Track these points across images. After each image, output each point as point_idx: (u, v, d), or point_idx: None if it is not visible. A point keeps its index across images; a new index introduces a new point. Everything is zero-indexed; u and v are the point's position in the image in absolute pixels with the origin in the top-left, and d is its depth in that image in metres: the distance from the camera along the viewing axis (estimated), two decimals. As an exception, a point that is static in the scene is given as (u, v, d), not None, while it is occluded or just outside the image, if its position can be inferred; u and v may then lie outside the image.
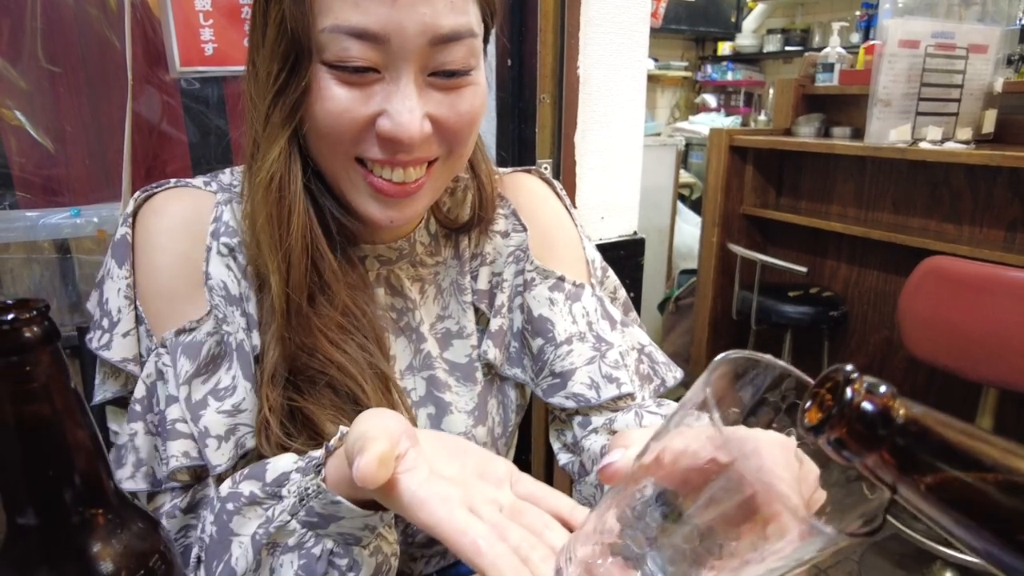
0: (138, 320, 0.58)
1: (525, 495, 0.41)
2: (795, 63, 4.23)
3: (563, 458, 0.70)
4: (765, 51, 4.76)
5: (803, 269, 2.19)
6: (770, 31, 4.77)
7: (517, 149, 1.27)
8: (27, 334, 0.31)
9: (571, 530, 0.38)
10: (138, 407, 0.56)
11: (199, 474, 0.56)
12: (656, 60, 4.68)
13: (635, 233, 1.45)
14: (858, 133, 2.22)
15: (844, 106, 2.44)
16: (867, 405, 0.26)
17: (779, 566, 0.28)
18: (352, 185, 0.55)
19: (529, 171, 0.74)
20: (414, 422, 0.64)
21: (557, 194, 0.74)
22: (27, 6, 0.96)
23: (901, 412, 0.26)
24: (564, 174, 1.30)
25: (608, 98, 1.32)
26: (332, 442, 0.44)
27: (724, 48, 4.89)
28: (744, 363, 0.31)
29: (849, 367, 0.28)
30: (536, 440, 1.39)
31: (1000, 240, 1.97)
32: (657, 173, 3.04)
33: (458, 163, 0.58)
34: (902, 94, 2.00)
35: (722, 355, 0.30)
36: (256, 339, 0.58)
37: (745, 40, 4.80)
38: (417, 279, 0.67)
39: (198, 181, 0.62)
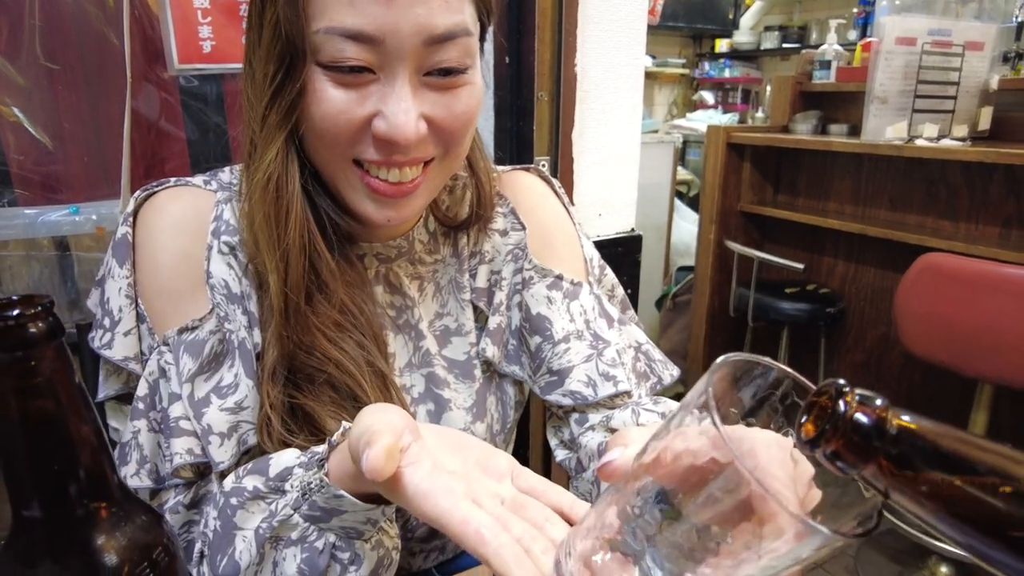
0: (139, 319, 0.58)
1: (526, 489, 0.41)
2: (792, 60, 4.24)
3: (560, 454, 0.71)
4: (762, 48, 4.77)
5: (800, 266, 2.20)
6: (767, 28, 4.78)
7: (515, 147, 1.28)
8: (32, 330, 0.32)
9: (571, 524, 0.39)
10: (141, 405, 0.57)
11: (202, 471, 0.57)
12: (654, 57, 4.68)
13: (632, 230, 1.46)
14: (855, 130, 2.22)
15: (841, 103, 2.44)
16: (860, 417, 0.27)
17: (775, 565, 0.28)
18: (349, 186, 0.56)
19: (528, 169, 0.75)
20: (413, 418, 0.65)
21: (555, 192, 0.74)
22: (25, 4, 0.96)
23: (894, 422, 0.26)
24: (562, 171, 1.31)
25: (606, 96, 1.32)
26: (335, 437, 0.45)
27: (722, 45, 4.89)
28: (744, 365, 0.31)
29: (841, 381, 0.28)
30: (534, 436, 1.39)
31: (996, 237, 1.98)
32: (655, 170, 3.05)
33: (454, 162, 0.59)
34: (899, 91, 2.00)
35: (723, 357, 0.30)
36: (257, 337, 0.58)
37: (742, 37, 4.80)
38: (416, 277, 0.67)
39: (198, 180, 0.62)
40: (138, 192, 0.60)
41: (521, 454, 1.40)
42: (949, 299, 1.67)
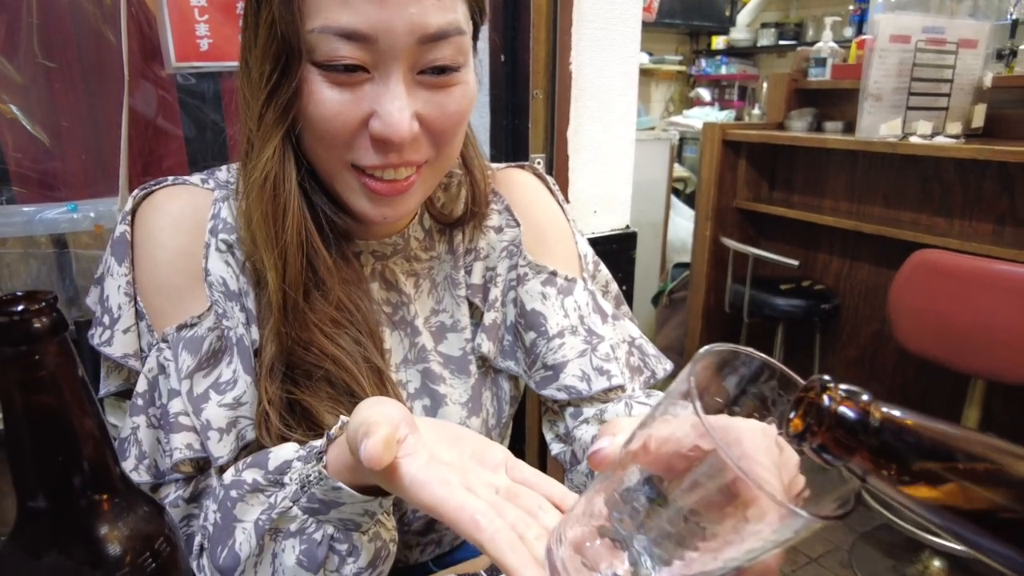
0: (138, 316, 0.59)
1: (520, 480, 0.42)
2: (789, 57, 4.25)
3: (555, 448, 0.72)
4: (759, 45, 4.77)
5: (795, 263, 2.21)
6: (764, 25, 4.78)
7: (510, 144, 1.28)
8: (36, 325, 0.32)
9: (563, 514, 0.40)
10: (140, 401, 0.57)
11: (201, 465, 0.58)
12: (650, 54, 4.68)
13: (627, 227, 1.47)
14: (850, 127, 2.23)
15: (836, 100, 2.45)
16: (844, 411, 0.28)
17: (758, 546, 0.29)
18: (346, 185, 0.56)
19: (522, 167, 0.76)
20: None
21: (550, 189, 0.75)
22: (23, 2, 0.97)
23: (876, 415, 0.27)
24: (557, 169, 1.32)
25: (601, 93, 1.33)
26: (333, 431, 0.45)
27: (718, 42, 4.89)
28: (727, 355, 0.32)
29: (826, 377, 0.29)
30: (530, 431, 1.41)
31: (989, 233, 2.00)
32: (651, 167, 3.06)
33: (447, 163, 0.59)
34: (893, 89, 2.01)
35: (705, 347, 0.31)
36: (255, 333, 0.59)
37: (739, 34, 4.80)
38: (412, 274, 0.68)
39: (195, 179, 0.63)
40: (136, 191, 0.61)
41: (517, 448, 1.41)
42: (942, 295, 1.69)
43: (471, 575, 0.63)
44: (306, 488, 0.45)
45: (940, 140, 1.99)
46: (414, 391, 0.67)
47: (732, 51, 4.89)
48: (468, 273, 0.70)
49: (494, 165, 0.74)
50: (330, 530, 0.46)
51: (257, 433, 0.57)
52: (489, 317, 0.70)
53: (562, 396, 0.67)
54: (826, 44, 2.44)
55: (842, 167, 2.37)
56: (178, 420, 0.56)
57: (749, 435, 0.32)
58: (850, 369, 2.45)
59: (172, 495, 0.57)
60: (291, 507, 0.46)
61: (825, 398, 0.28)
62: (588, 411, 0.67)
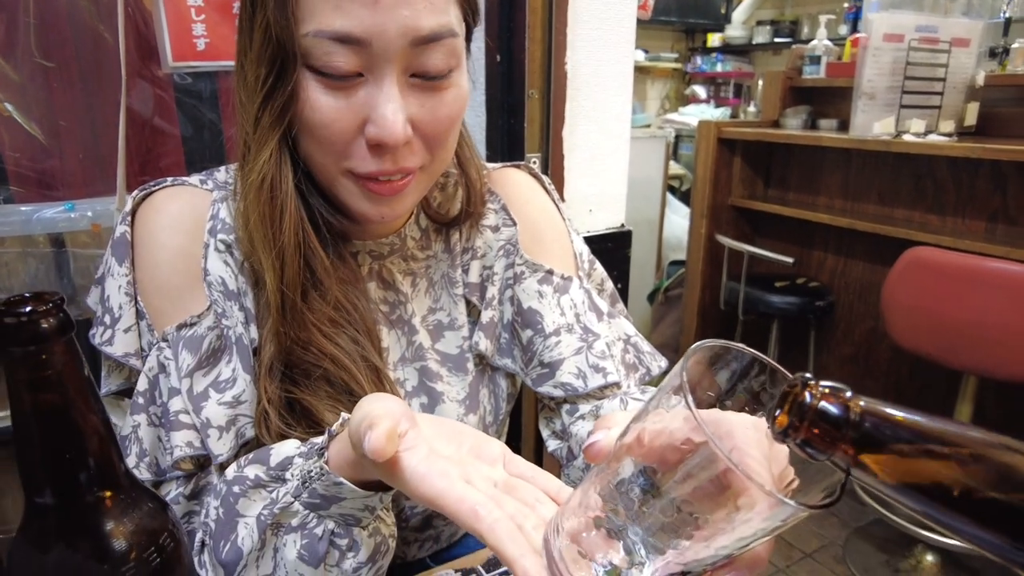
0: (139, 315, 0.59)
1: (517, 475, 0.43)
2: (784, 55, 4.26)
3: (552, 444, 0.73)
4: (754, 42, 4.78)
5: (789, 260, 2.22)
6: (759, 22, 4.79)
7: (506, 144, 1.29)
8: (44, 325, 0.33)
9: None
10: (141, 400, 0.58)
11: (202, 463, 0.58)
12: (646, 51, 4.69)
13: (622, 226, 1.47)
14: (845, 125, 2.25)
15: (831, 98, 2.46)
16: (825, 406, 0.29)
17: (748, 535, 0.30)
18: (343, 188, 0.57)
19: (518, 166, 0.76)
20: None
21: (545, 189, 0.76)
22: (20, 1, 0.97)
23: (856, 409, 0.28)
24: (552, 168, 1.32)
25: (596, 93, 1.34)
26: (334, 427, 0.46)
27: (714, 39, 4.90)
28: (719, 350, 0.33)
29: (808, 375, 0.30)
30: (526, 428, 1.42)
31: (982, 231, 2.01)
32: (646, 165, 3.06)
33: (441, 166, 0.60)
34: (886, 87, 2.02)
35: (698, 343, 0.32)
36: (254, 332, 0.60)
37: (735, 31, 4.81)
38: (409, 273, 0.69)
39: (194, 179, 0.63)
40: (136, 192, 0.61)
41: (514, 445, 1.42)
42: (935, 293, 1.70)
43: (469, 570, 0.64)
44: (307, 483, 0.46)
45: (933, 138, 2.00)
46: (412, 389, 0.68)
47: (728, 48, 4.90)
48: (465, 272, 0.71)
49: (490, 165, 0.75)
50: (331, 525, 0.47)
51: (257, 432, 0.58)
52: (486, 315, 0.70)
53: (558, 393, 0.68)
54: (821, 42, 2.45)
55: (837, 165, 2.38)
56: (178, 418, 0.57)
57: (740, 428, 0.33)
58: (844, 366, 2.47)
59: (173, 492, 0.58)
60: (293, 502, 0.47)
61: (807, 395, 0.29)
62: (584, 408, 0.68)
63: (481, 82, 1.24)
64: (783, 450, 0.33)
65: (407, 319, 0.68)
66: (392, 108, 0.52)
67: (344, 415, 0.46)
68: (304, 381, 0.58)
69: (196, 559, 0.54)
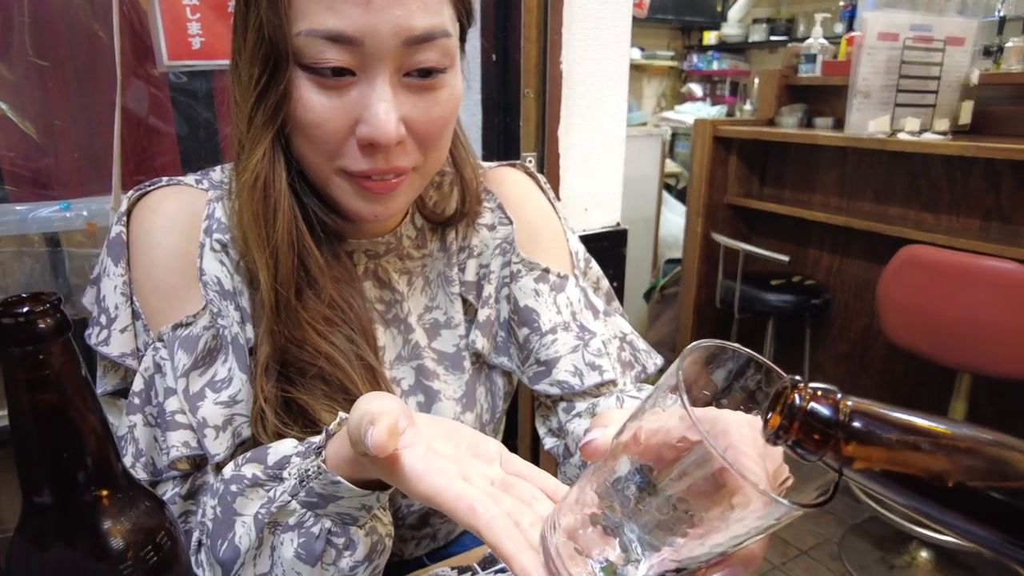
0: (135, 316, 0.59)
1: (513, 473, 0.43)
2: (780, 53, 4.26)
3: (549, 442, 0.73)
4: (750, 41, 4.79)
5: (785, 258, 2.23)
6: (755, 20, 4.80)
7: (502, 143, 1.29)
8: (41, 325, 0.33)
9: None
10: (137, 400, 0.58)
11: (198, 463, 0.58)
12: (642, 49, 4.69)
13: (618, 224, 1.48)
14: (840, 123, 2.25)
15: (826, 96, 2.47)
16: (814, 407, 0.29)
17: (743, 532, 0.30)
18: (336, 187, 0.57)
19: (514, 165, 0.76)
20: None
21: (541, 188, 0.76)
22: (14, 1, 0.97)
23: (845, 409, 0.29)
24: (548, 167, 1.33)
25: (591, 92, 1.34)
26: (331, 426, 0.46)
27: (710, 37, 4.91)
28: (714, 350, 0.34)
29: (797, 377, 0.31)
30: (523, 426, 1.42)
31: (976, 229, 2.02)
32: (643, 163, 3.07)
33: (434, 166, 0.60)
34: (881, 86, 2.03)
35: (694, 343, 0.33)
36: (250, 332, 0.60)
37: (731, 29, 4.82)
38: (404, 272, 0.69)
39: (190, 179, 0.63)
40: (131, 192, 0.61)
41: (510, 443, 1.43)
42: (929, 291, 1.71)
43: (465, 567, 0.64)
44: (305, 482, 0.46)
45: (928, 137, 2.01)
46: (408, 388, 0.68)
47: (724, 47, 4.91)
48: (462, 270, 0.71)
49: (485, 164, 0.75)
50: (328, 524, 0.47)
51: (253, 431, 0.58)
52: (483, 314, 0.71)
53: (555, 391, 0.68)
54: (816, 40, 2.46)
55: (832, 163, 2.39)
56: (174, 418, 0.57)
57: (736, 427, 0.33)
58: (840, 364, 2.48)
59: (169, 492, 0.58)
60: (290, 501, 0.47)
61: (796, 397, 0.29)
62: (580, 405, 0.68)
63: (477, 81, 1.24)
64: (778, 448, 0.33)
65: (403, 318, 0.68)
66: (384, 108, 0.52)
67: (342, 414, 0.46)
68: (300, 380, 0.58)
69: (193, 559, 0.54)
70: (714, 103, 4.74)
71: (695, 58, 5.02)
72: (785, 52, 2.61)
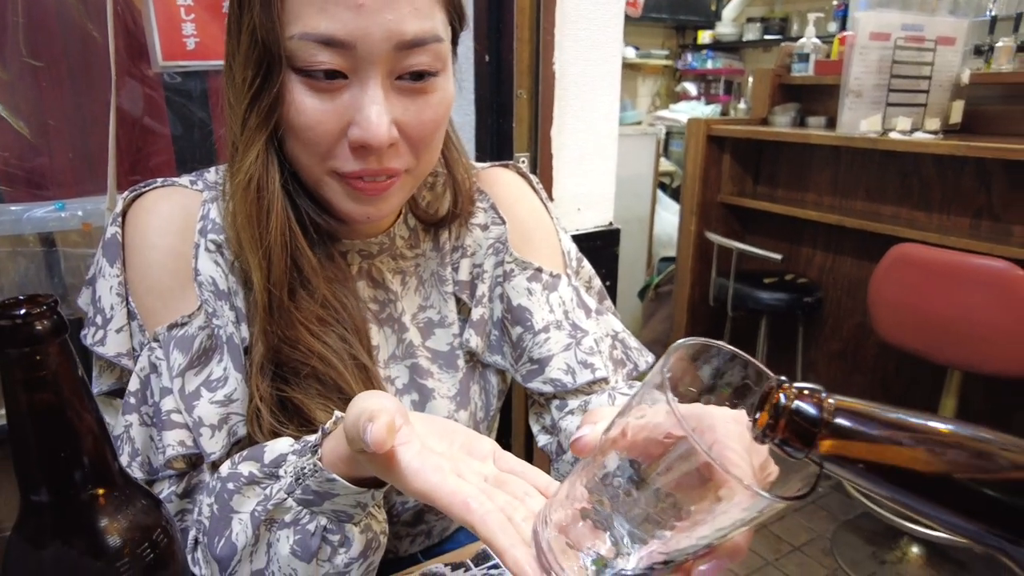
0: (130, 316, 0.60)
1: (507, 470, 0.44)
2: (774, 52, 4.27)
3: (542, 439, 0.74)
4: (744, 40, 4.80)
5: (778, 257, 2.24)
6: (750, 20, 4.81)
7: (495, 143, 1.30)
8: (38, 327, 0.34)
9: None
10: (132, 399, 0.58)
11: (194, 462, 0.59)
12: (637, 48, 4.70)
13: (611, 224, 1.49)
14: (833, 122, 2.26)
15: (819, 95, 2.48)
16: (798, 405, 0.30)
17: (728, 524, 0.31)
18: (329, 188, 0.58)
19: (506, 166, 0.77)
20: None
21: (533, 188, 0.76)
22: (8, 1, 0.97)
23: (828, 408, 0.30)
24: (541, 167, 1.33)
25: (584, 93, 1.35)
26: (327, 425, 0.47)
27: (704, 37, 4.92)
28: (699, 348, 0.34)
29: (783, 377, 0.31)
30: (516, 424, 1.43)
31: (967, 227, 2.04)
32: (637, 162, 3.08)
33: (426, 168, 0.61)
34: (873, 85, 2.04)
35: (679, 341, 0.34)
36: (245, 332, 0.60)
37: (725, 29, 4.83)
38: (398, 271, 0.69)
39: (184, 180, 0.63)
40: (126, 193, 0.62)
41: (504, 441, 1.43)
42: (920, 289, 1.72)
43: (458, 564, 0.65)
44: (301, 480, 0.47)
45: (919, 136, 2.02)
46: (402, 386, 0.69)
47: (718, 46, 4.92)
48: (455, 270, 0.72)
49: (478, 165, 0.76)
50: (323, 521, 0.48)
51: (249, 429, 0.58)
52: (477, 313, 0.71)
53: (548, 389, 0.69)
54: (809, 40, 2.47)
55: (825, 162, 2.40)
56: (170, 417, 0.57)
57: (722, 422, 0.34)
58: (833, 362, 2.49)
59: (166, 491, 0.58)
60: (286, 499, 0.48)
61: (781, 396, 0.30)
62: (573, 403, 0.69)
63: (470, 82, 1.25)
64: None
65: (397, 317, 0.69)
66: (376, 111, 0.52)
67: (337, 413, 0.47)
68: (294, 379, 0.59)
69: (189, 557, 0.55)
70: (708, 102, 4.75)
71: (689, 57, 5.03)
72: (779, 51, 2.62)
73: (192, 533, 0.55)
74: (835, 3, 4.06)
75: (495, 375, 0.75)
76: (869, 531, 2.11)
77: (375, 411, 0.39)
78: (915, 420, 0.30)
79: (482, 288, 0.72)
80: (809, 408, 0.30)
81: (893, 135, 2.03)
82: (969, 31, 2.10)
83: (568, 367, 0.68)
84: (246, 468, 0.51)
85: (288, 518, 0.48)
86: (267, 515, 0.48)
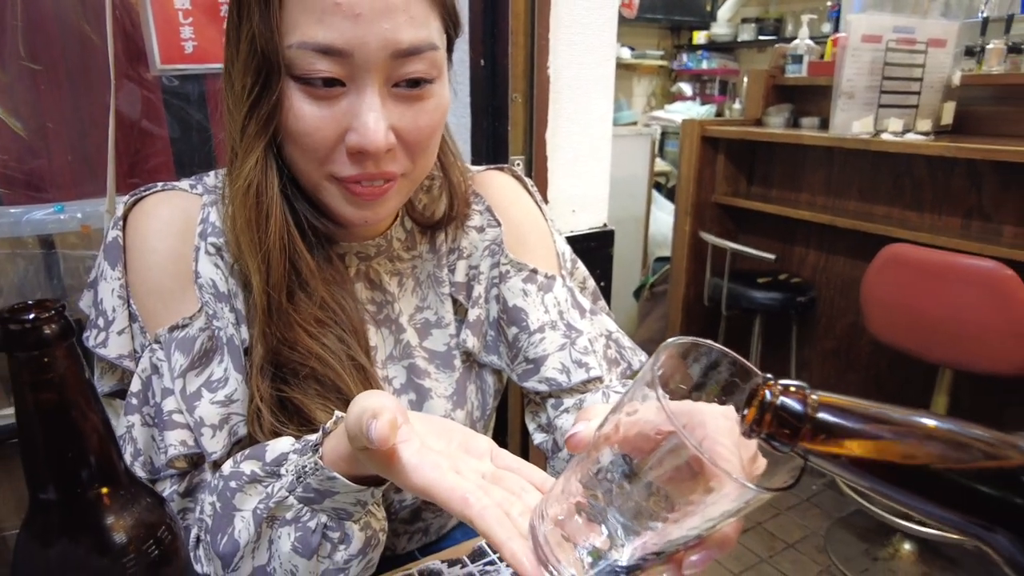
0: (132, 318, 0.60)
1: (503, 467, 0.45)
2: (768, 52, 4.29)
3: (538, 438, 0.75)
4: (740, 40, 4.82)
5: (771, 256, 2.26)
6: (744, 20, 4.83)
7: (491, 146, 1.31)
8: (46, 331, 0.35)
9: None
10: (134, 400, 0.59)
11: (195, 461, 0.60)
12: (632, 49, 4.71)
13: (605, 225, 1.50)
14: (826, 123, 2.27)
15: (813, 96, 2.50)
16: (783, 401, 0.31)
17: (717, 515, 0.33)
18: (327, 192, 0.59)
19: (501, 169, 0.78)
20: None
21: (528, 190, 0.77)
22: (7, 4, 0.97)
23: (812, 403, 0.31)
24: (536, 169, 1.34)
25: (578, 96, 1.36)
26: (328, 424, 0.48)
27: (699, 37, 4.94)
28: (688, 346, 0.36)
29: (768, 375, 0.33)
30: (513, 423, 1.44)
31: (958, 227, 2.05)
32: (633, 162, 3.09)
33: (422, 172, 0.62)
34: (865, 87, 2.06)
35: (669, 340, 0.35)
36: (245, 333, 0.61)
37: (720, 29, 4.85)
38: (395, 273, 0.70)
39: (184, 184, 0.64)
40: (127, 197, 0.62)
41: (500, 440, 1.44)
42: (911, 288, 1.73)
43: (455, 560, 0.66)
44: (302, 478, 0.48)
45: (911, 137, 2.04)
46: (400, 386, 0.70)
47: (713, 46, 4.94)
48: (451, 271, 0.73)
49: (473, 168, 0.77)
50: (324, 519, 0.49)
51: (250, 429, 0.59)
52: (473, 313, 0.72)
53: (543, 388, 0.70)
54: (803, 41, 2.49)
55: (818, 163, 2.42)
56: (172, 418, 0.58)
57: (712, 418, 0.36)
58: (827, 360, 2.51)
59: (167, 490, 0.59)
60: (287, 496, 0.49)
61: (767, 393, 0.31)
62: (568, 401, 0.70)
63: (466, 87, 1.26)
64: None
65: (394, 318, 0.70)
66: (374, 117, 0.53)
67: (338, 413, 0.48)
68: (294, 380, 0.60)
69: (192, 554, 0.55)
70: (704, 102, 4.77)
71: (685, 57, 5.05)
72: (773, 52, 2.64)
73: (194, 531, 0.56)
74: (829, 4, 4.08)
75: (491, 375, 0.76)
76: (862, 528, 2.12)
77: (378, 408, 0.40)
78: (894, 415, 0.31)
79: (478, 289, 0.73)
80: (794, 404, 0.31)
81: (885, 136, 2.04)
82: (960, 33, 2.11)
83: (563, 366, 0.69)
84: (248, 467, 0.52)
85: (289, 515, 0.49)
86: (269, 512, 0.49)
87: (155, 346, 0.59)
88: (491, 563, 0.65)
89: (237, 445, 0.60)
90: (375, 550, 0.53)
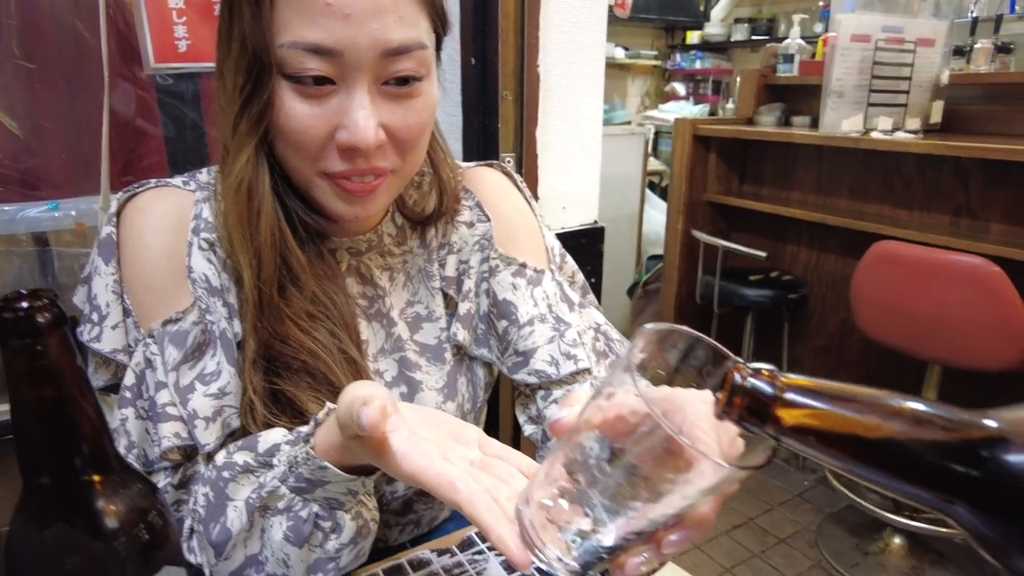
0: (125, 313, 0.61)
1: (491, 455, 0.46)
2: (761, 52, 4.32)
3: (528, 429, 0.76)
4: (733, 40, 4.84)
5: (762, 254, 2.27)
6: (737, 20, 4.85)
7: (481, 144, 1.32)
8: (40, 319, 0.36)
9: None
10: (128, 394, 0.60)
11: (189, 453, 0.60)
12: (626, 49, 4.73)
13: (595, 222, 1.51)
14: (817, 122, 2.30)
15: (804, 95, 2.51)
16: (752, 383, 0.32)
17: (694, 494, 0.34)
18: (318, 189, 0.60)
19: (491, 165, 0.79)
20: None
21: (517, 186, 0.79)
22: (1, 3, 0.98)
23: (780, 384, 0.32)
24: (526, 167, 1.35)
25: (568, 95, 1.37)
26: (319, 415, 0.49)
27: (693, 37, 4.96)
28: (664, 333, 0.37)
29: (739, 359, 0.34)
30: (504, 415, 1.45)
31: (947, 225, 2.07)
32: (626, 161, 3.10)
33: (411, 169, 0.63)
34: (854, 86, 2.08)
35: (645, 325, 0.36)
36: (237, 327, 0.62)
37: (713, 29, 4.87)
38: (386, 268, 0.71)
39: (177, 181, 0.65)
40: (120, 193, 0.63)
41: (492, 431, 1.45)
42: (900, 285, 1.75)
43: (444, 550, 0.67)
44: (294, 468, 0.49)
45: (900, 135, 2.05)
46: (391, 379, 0.71)
47: (706, 46, 4.96)
48: (442, 266, 0.74)
49: (464, 164, 0.78)
50: (315, 508, 0.50)
51: (243, 421, 0.60)
52: (463, 307, 0.73)
53: (533, 380, 0.71)
54: (794, 41, 2.51)
55: (809, 161, 2.44)
56: (165, 411, 0.59)
57: (691, 403, 0.37)
58: (818, 357, 2.53)
59: (162, 482, 0.60)
60: (279, 486, 0.50)
61: (737, 376, 0.33)
62: (557, 393, 0.71)
63: (457, 85, 1.27)
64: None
65: (385, 312, 0.71)
66: (363, 115, 0.54)
67: (329, 405, 0.49)
68: (286, 373, 0.61)
69: (185, 545, 0.56)
70: (697, 102, 4.79)
71: (678, 57, 5.07)
72: (765, 52, 2.65)
73: (188, 522, 0.57)
74: (820, 4, 4.11)
75: (482, 368, 0.77)
76: (853, 523, 2.14)
77: (368, 396, 0.41)
78: (859, 394, 0.32)
79: (468, 283, 0.74)
80: (763, 385, 0.32)
81: (874, 135, 2.06)
82: (949, 32, 2.13)
83: (552, 359, 0.70)
84: (241, 457, 0.53)
85: (281, 505, 0.50)
86: (261, 502, 0.50)
87: (149, 340, 0.60)
88: (479, 552, 0.66)
89: (230, 437, 0.61)
90: (366, 539, 0.54)
